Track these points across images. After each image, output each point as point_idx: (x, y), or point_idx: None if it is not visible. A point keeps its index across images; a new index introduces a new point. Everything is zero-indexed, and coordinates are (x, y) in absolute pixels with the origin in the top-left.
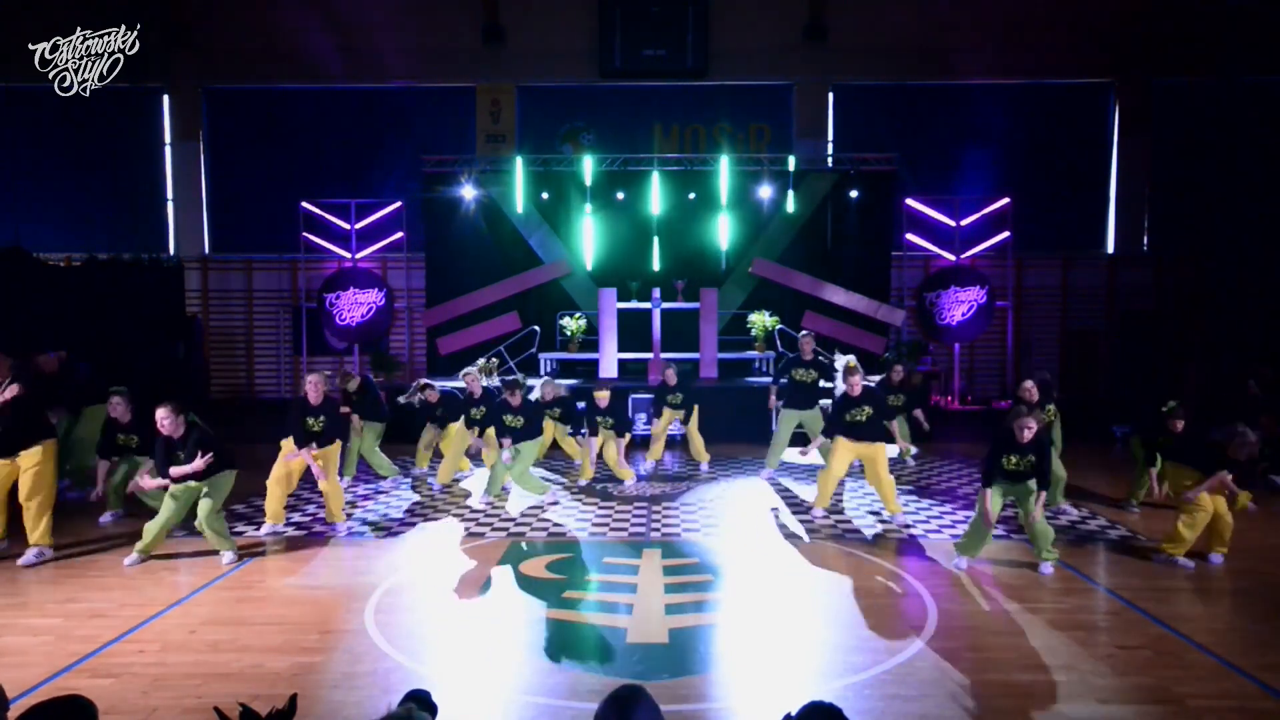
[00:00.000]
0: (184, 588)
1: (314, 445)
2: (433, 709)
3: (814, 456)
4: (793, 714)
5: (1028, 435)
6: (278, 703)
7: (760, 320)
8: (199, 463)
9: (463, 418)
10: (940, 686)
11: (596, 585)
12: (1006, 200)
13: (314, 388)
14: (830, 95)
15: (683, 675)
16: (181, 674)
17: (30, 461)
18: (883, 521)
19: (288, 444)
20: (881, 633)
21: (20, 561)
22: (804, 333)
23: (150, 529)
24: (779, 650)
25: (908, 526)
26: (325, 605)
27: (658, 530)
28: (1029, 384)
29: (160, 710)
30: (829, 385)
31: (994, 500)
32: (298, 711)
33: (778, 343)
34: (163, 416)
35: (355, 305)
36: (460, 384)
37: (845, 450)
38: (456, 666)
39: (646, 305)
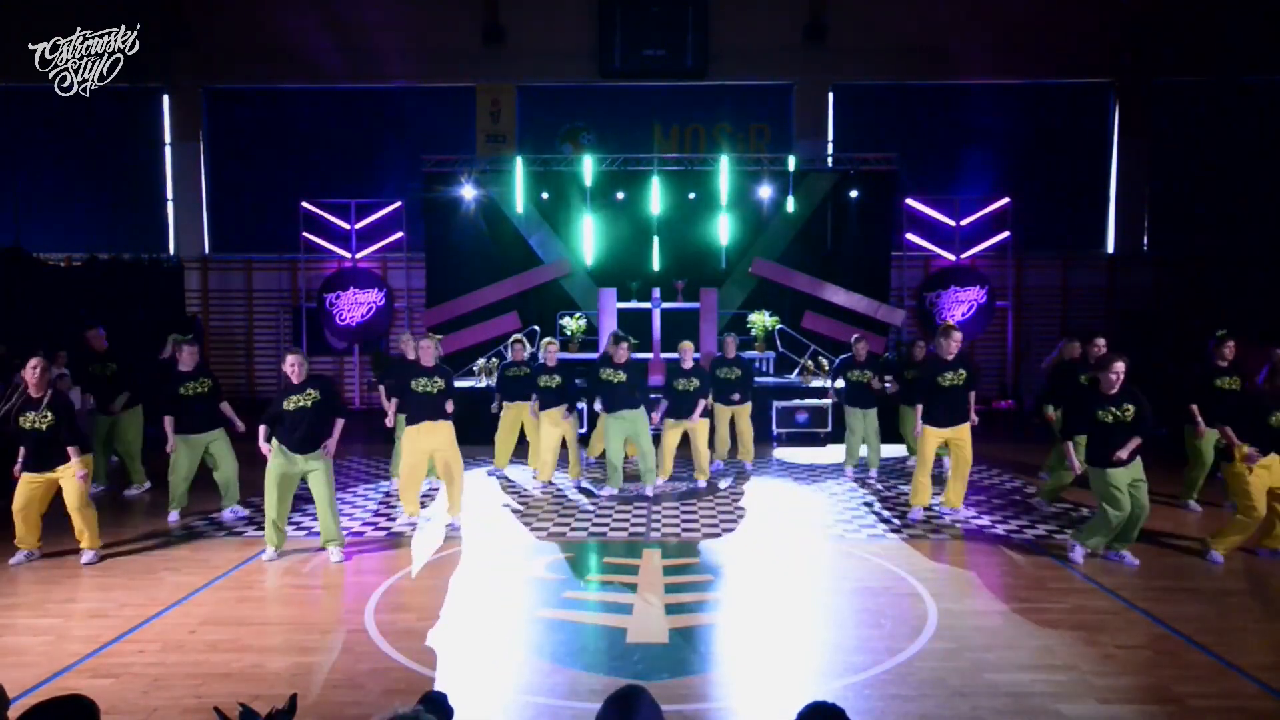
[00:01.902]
0: (184, 588)
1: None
2: (448, 712)
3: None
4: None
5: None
6: (278, 703)
7: (760, 320)
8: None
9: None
10: (940, 686)
11: (596, 585)
12: (1006, 200)
13: (427, 351)
14: (830, 95)
15: (683, 675)
16: (181, 674)
17: (70, 474)
18: (883, 522)
19: (414, 433)
20: (881, 633)
21: (83, 561)
22: (856, 336)
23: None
24: (779, 650)
25: (908, 526)
26: (325, 605)
27: (658, 530)
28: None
29: (160, 710)
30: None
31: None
32: (298, 711)
33: (778, 343)
34: (294, 362)
35: (355, 305)
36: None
37: (932, 438)
38: (456, 666)
39: (646, 305)
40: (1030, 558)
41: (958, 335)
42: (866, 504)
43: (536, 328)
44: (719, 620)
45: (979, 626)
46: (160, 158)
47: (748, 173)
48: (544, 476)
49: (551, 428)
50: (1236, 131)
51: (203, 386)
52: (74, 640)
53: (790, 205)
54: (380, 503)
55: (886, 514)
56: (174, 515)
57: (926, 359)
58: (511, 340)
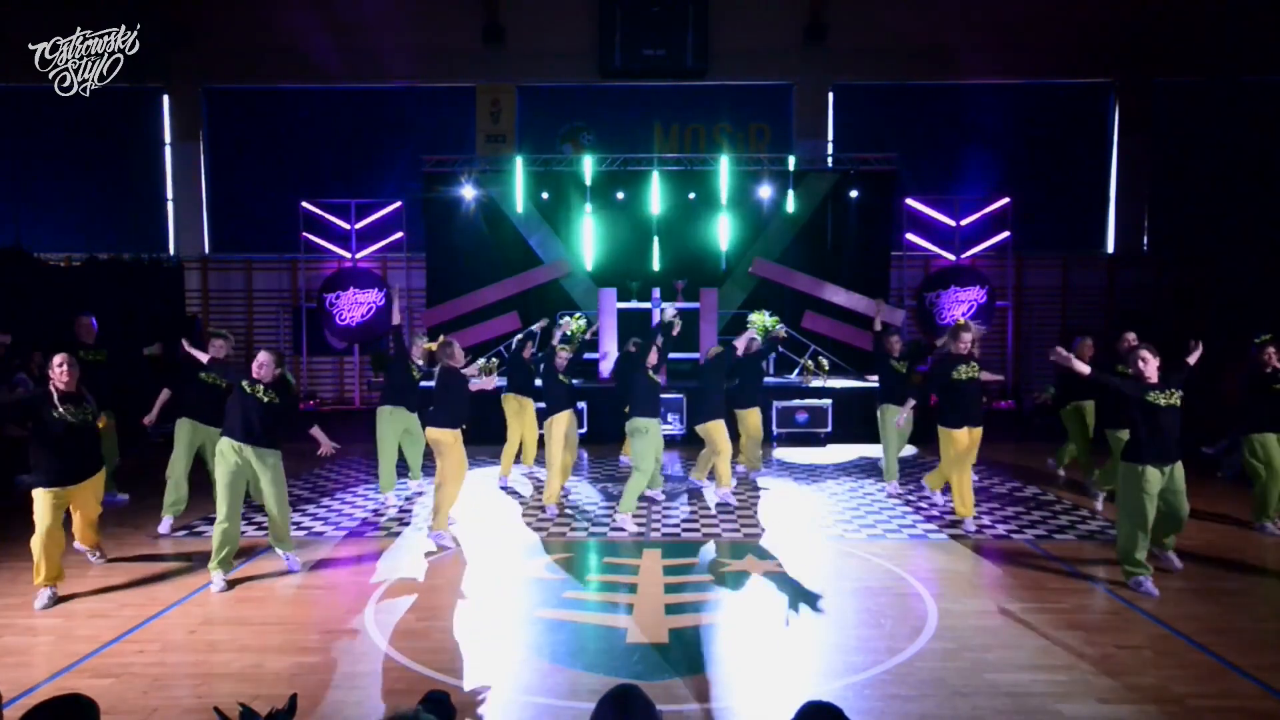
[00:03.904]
0: (184, 588)
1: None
2: (449, 712)
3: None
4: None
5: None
6: (278, 703)
7: (760, 320)
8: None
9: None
10: (940, 686)
11: (596, 585)
12: (1006, 200)
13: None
14: (830, 95)
15: (683, 675)
16: (181, 674)
17: (94, 488)
18: (882, 522)
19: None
20: (881, 633)
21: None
22: (892, 330)
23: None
24: (779, 650)
25: (908, 527)
26: (325, 605)
27: (658, 530)
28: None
29: (160, 710)
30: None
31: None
32: (298, 711)
33: (778, 343)
34: (265, 361)
35: (355, 305)
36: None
37: (966, 437)
38: (456, 666)
39: (646, 305)
40: (1030, 558)
41: (968, 336)
42: (866, 504)
43: (536, 328)
44: (719, 620)
45: (979, 626)
46: (160, 158)
47: (748, 173)
48: (511, 467)
49: (561, 429)
50: (1236, 131)
51: (220, 382)
52: (74, 640)
53: (790, 205)
54: (379, 502)
55: (886, 514)
56: (167, 522)
57: (940, 355)
58: (523, 336)
